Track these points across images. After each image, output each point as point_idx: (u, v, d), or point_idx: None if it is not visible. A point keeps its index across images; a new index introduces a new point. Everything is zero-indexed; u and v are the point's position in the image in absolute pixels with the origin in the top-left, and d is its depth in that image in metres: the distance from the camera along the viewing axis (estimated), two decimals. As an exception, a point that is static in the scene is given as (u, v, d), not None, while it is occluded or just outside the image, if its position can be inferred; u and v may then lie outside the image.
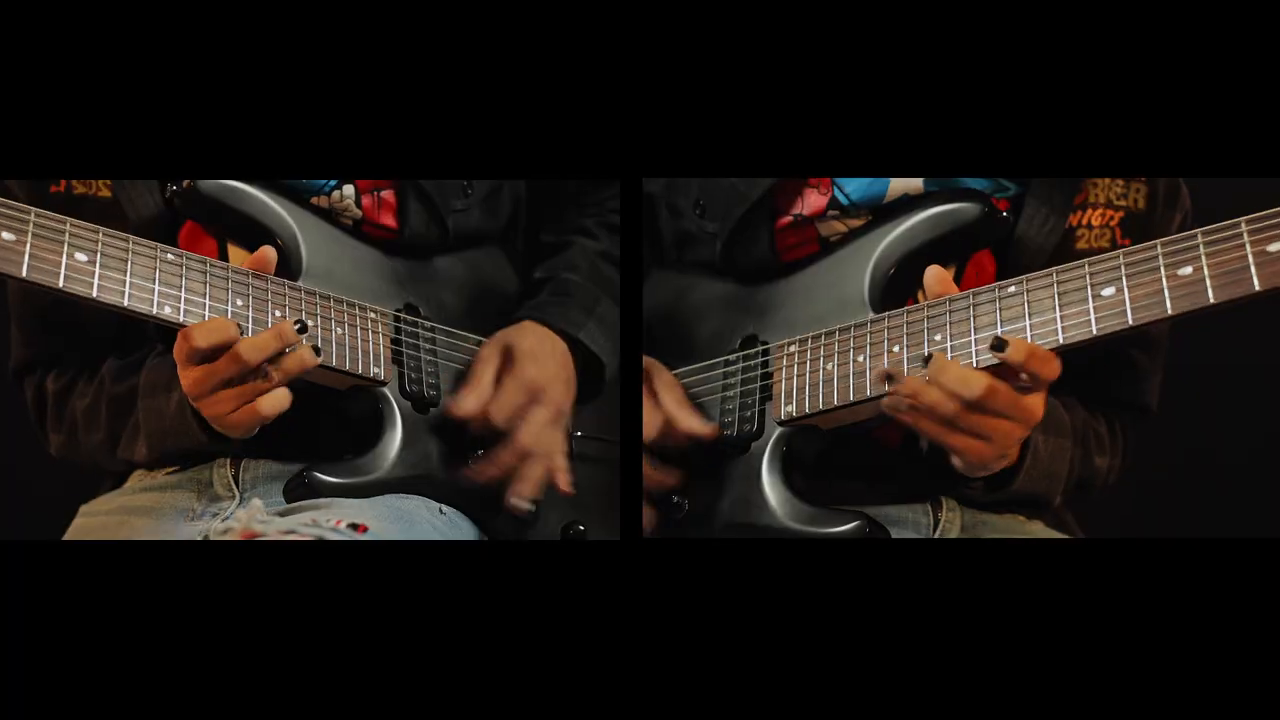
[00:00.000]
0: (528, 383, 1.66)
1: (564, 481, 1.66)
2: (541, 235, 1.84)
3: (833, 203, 1.62)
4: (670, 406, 1.60)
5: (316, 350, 1.53)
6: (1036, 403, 1.40)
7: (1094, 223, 1.59)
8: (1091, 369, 1.59)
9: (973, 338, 1.46)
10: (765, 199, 1.64)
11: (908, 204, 1.58)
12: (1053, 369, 1.39)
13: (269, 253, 1.56)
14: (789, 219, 1.64)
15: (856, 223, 1.62)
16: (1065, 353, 1.42)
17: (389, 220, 1.71)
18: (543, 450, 1.65)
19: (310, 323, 1.58)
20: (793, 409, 1.56)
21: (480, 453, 1.65)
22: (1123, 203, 1.59)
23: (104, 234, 1.48)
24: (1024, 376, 1.39)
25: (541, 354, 1.68)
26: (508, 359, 1.66)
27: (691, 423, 1.60)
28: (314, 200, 1.68)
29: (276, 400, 1.49)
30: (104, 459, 1.70)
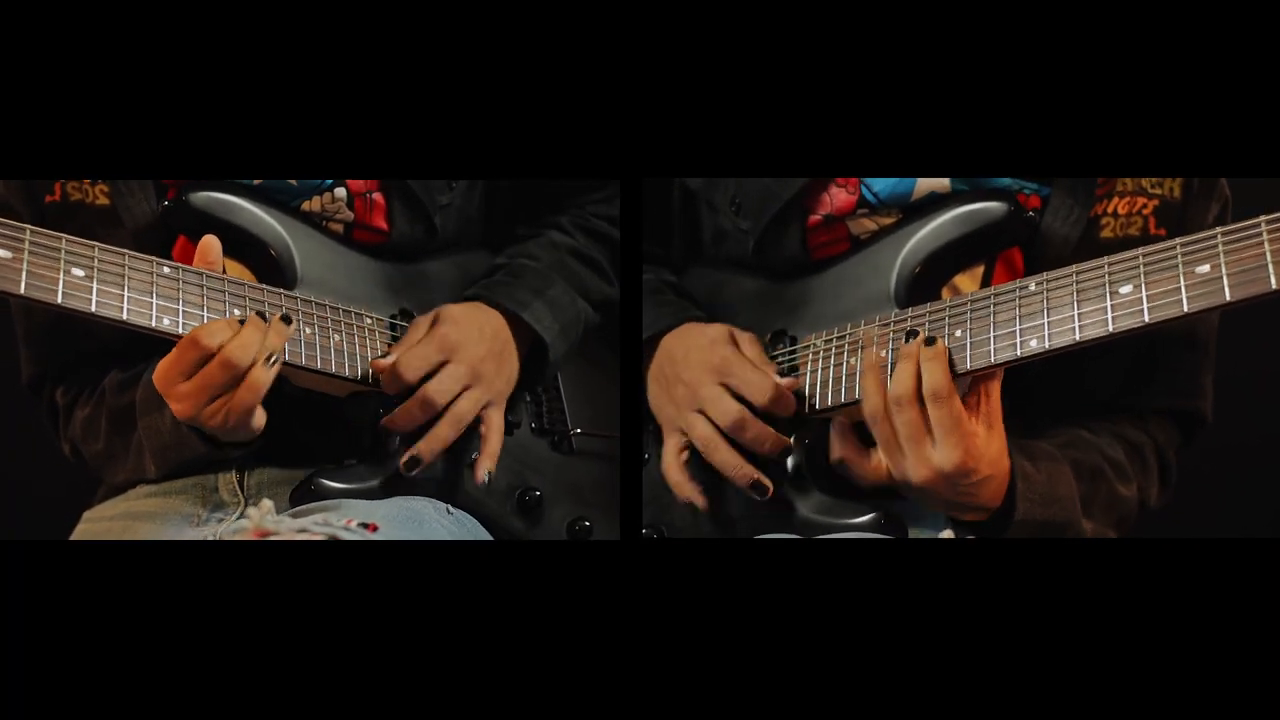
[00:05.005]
0: (440, 340, 1.68)
1: (482, 468, 1.69)
2: (517, 229, 1.88)
3: (861, 201, 1.67)
4: (773, 374, 1.63)
5: (286, 319, 1.57)
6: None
7: (1120, 211, 1.61)
8: (1137, 378, 1.65)
9: (991, 334, 1.51)
10: (797, 198, 1.68)
11: (935, 202, 1.63)
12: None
13: (211, 241, 1.59)
14: (819, 218, 1.69)
15: (887, 221, 1.67)
16: (1086, 350, 1.47)
17: (380, 222, 1.76)
18: (455, 410, 1.66)
19: (309, 330, 1.63)
20: (816, 403, 1.62)
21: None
22: (1157, 191, 1.62)
23: (99, 249, 1.53)
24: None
25: (465, 321, 1.71)
26: (434, 323, 1.70)
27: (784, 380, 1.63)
28: (305, 205, 1.72)
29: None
30: (106, 471, 1.76)
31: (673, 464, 1.65)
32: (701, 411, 1.62)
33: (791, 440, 1.61)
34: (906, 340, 1.52)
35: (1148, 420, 1.68)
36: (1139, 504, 1.66)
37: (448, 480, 1.70)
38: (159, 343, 1.55)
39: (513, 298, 1.74)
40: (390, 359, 1.65)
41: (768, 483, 1.60)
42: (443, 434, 1.66)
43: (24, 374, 1.79)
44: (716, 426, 1.61)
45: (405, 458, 1.64)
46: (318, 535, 1.43)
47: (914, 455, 1.48)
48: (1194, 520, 2.03)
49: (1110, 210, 1.61)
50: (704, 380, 1.62)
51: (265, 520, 1.48)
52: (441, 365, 1.66)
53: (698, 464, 1.64)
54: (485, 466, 1.68)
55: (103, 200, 1.65)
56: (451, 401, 1.66)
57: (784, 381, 1.60)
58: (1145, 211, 1.61)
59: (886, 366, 1.52)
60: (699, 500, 1.64)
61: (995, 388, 1.50)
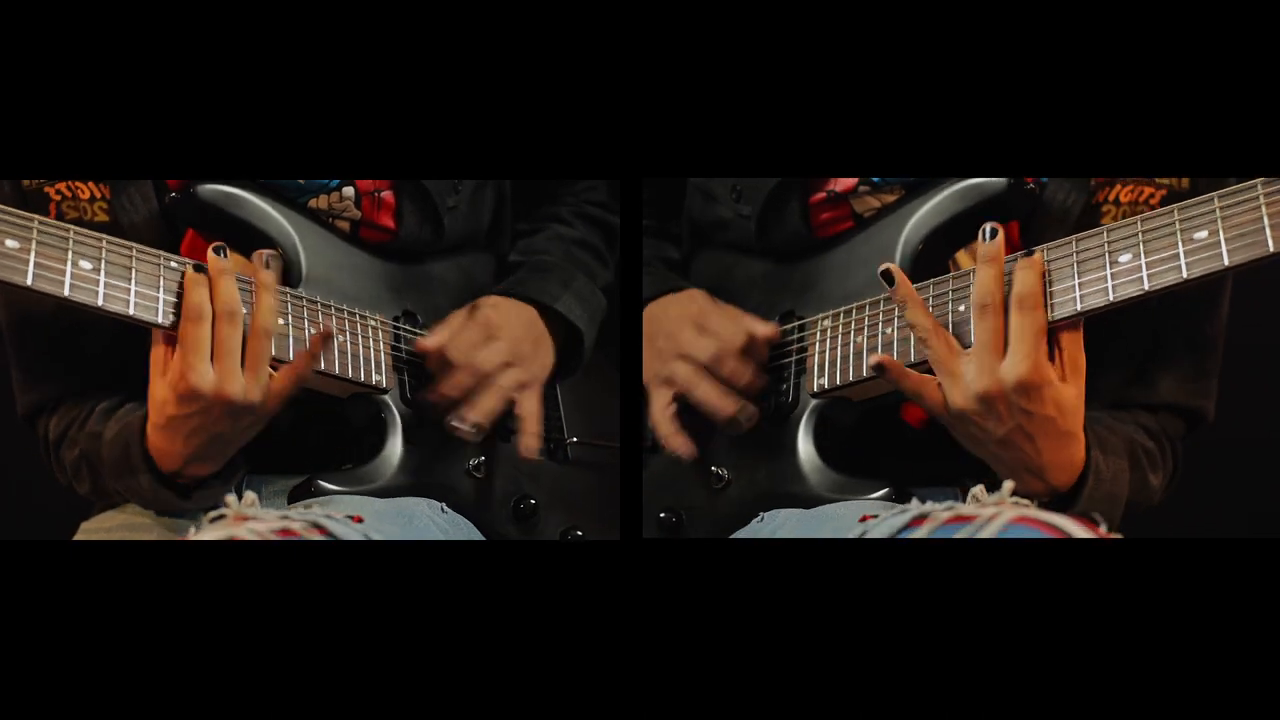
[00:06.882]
0: (484, 321, 1.74)
1: (530, 444, 1.72)
2: (516, 225, 1.92)
3: (864, 179, 1.69)
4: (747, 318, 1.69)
5: (267, 263, 1.60)
6: (1058, 388, 1.46)
7: (1123, 199, 1.62)
8: (1143, 373, 1.66)
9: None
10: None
11: (936, 179, 1.65)
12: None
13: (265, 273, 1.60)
14: (822, 195, 1.71)
15: (890, 198, 1.69)
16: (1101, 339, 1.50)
17: (388, 221, 1.77)
18: (499, 382, 1.71)
19: (313, 330, 1.63)
20: (825, 381, 1.64)
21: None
22: (1165, 180, 1.62)
23: (108, 241, 1.53)
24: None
25: (504, 307, 1.77)
26: (472, 310, 1.76)
27: (758, 326, 1.68)
28: (312, 202, 1.73)
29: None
30: (104, 500, 1.76)
31: (661, 417, 1.68)
32: (682, 357, 1.67)
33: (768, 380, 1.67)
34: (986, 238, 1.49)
35: (1158, 413, 1.68)
36: (1156, 497, 1.67)
37: (448, 486, 1.71)
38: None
39: (545, 291, 1.78)
40: (437, 339, 1.70)
41: (752, 410, 1.65)
42: (487, 404, 1.70)
43: (19, 404, 1.75)
44: (697, 367, 1.67)
45: (461, 431, 1.68)
46: (296, 524, 1.40)
47: (981, 363, 1.46)
48: (1194, 520, 2.04)
49: (1112, 198, 1.62)
50: (682, 327, 1.68)
51: (244, 509, 1.44)
52: (487, 341, 1.72)
53: (687, 419, 1.69)
54: (532, 444, 1.72)
55: (102, 216, 1.64)
56: (496, 375, 1.71)
57: (760, 328, 1.66)
58: (1153, 201, 1.61)
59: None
60: (687, 450, 1.67)
61: (1075, 338, 1.48)
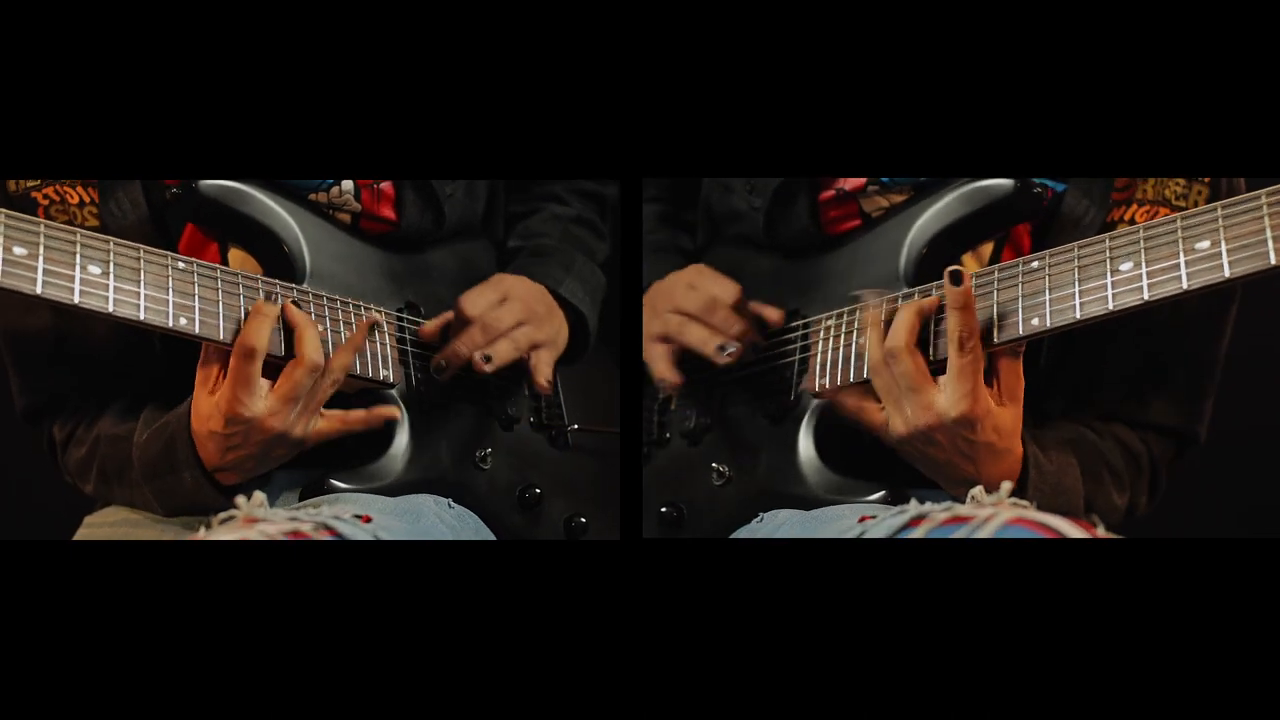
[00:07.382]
0: (496, 282, 1.78)
1: (543, 375, 1.76)
2: (510, 207, 1.93)
3: (872, 178, 1.69)
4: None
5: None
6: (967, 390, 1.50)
7: (1139, 220, 1.62)
8: (1143, 392, 1.67)
9: (994, 313, 1.53)
10: None
11: (944, 180, 1.65)
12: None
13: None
14: (831, 193, 1.72)
15: (899, 198, 1.70)
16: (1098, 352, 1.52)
17: (388, 212, 1.78)
18: (514, 335, 1.75)
19: (320, 326, 1.64)
20: (826, 381, 1.65)
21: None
22: (1182, 203, 1.62)
23: (115, 244, 1.52)
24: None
25: (517, 278, 1.80)
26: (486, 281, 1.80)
27: (763, 309, 1.73)
28: (312, 196, 1.74)
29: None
30: (105, 502, 1.77)
31: (656, 361, 1.73)
32: (674, 310, 1.72)
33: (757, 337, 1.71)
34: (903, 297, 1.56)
35: (1147, 433, 1.70)
36: (1126, 512, 1.70)
37: (455, 479, 1.72)
38: (152, 375, 1.57)
39: (548, 275, 1.81)
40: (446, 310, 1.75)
41: (734, 347, 1.69)
42: (503, 350, 1.73)
43: (18, 404, 1.74)
44: (686, 316, 1.73)
45: (481, 367, 1.71)
46: (305, 525, 1.41)
47: (915, 401, 1.52)
48: (1190, 520, 2.05)
49: (1128, 218, 1.62)
50: (676, 286, 1.74)
51: (254, 510, 1.46)
52: (501, 302, 1.75)
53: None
54: (542, 380, 1.76)
55: (92, 221, 1.63)
56: (511, 330, 1.74)
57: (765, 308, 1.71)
58: None
59: (883, 323, 1.56)
60: (673, 379, 1.72)
61: (1014, 366, 1.52)
